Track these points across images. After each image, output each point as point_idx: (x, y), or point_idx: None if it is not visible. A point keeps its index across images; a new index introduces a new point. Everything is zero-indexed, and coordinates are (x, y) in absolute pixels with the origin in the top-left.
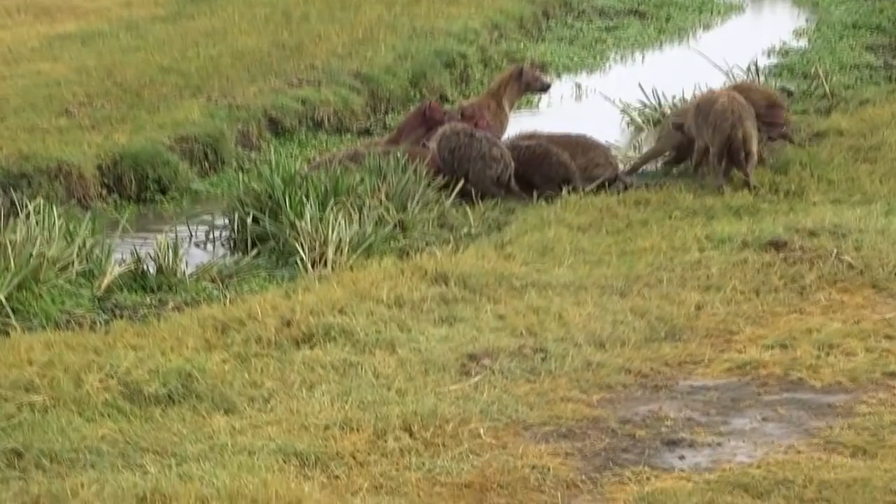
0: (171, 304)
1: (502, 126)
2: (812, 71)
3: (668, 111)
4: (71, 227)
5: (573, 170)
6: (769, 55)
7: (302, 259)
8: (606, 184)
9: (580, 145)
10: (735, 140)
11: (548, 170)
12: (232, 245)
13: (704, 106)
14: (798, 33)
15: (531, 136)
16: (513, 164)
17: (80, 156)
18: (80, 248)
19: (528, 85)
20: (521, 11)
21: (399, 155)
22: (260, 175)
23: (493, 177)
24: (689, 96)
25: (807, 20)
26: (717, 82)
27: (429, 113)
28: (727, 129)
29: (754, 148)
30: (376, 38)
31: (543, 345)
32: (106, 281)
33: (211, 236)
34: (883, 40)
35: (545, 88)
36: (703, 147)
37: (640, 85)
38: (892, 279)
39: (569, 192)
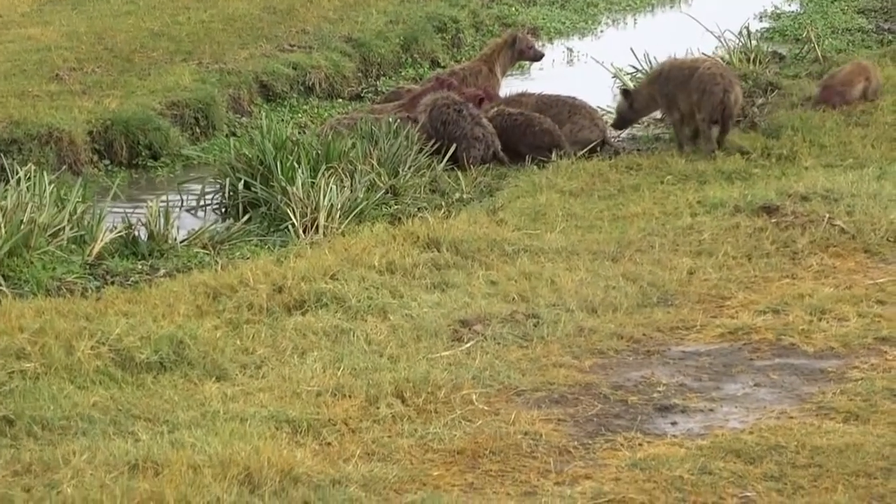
0: (162, 271)
1: (495, 91)
2: (804, 34)
3: None
4: (62, 194)
5: (558, 135)
6: (761, 19)
7: (293, 225)
8: (598, 148)
9: (566, 108)
10: (728, 104)
11: (532, 138)
12: (223, 211)
13: (677, 73)
14: None
15: (521, 97)
16: (496, 140)
17: (71, 121)
18: (70, 215)
19: (522, 53)
20: None
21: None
22: (251, 140)
23: (476, 157)
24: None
25: None
26: (710, 46)
27: (447, 83)
28: (719, 92)
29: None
30: (367, 3)
31: (535, 310)
32: (97, 247)
33: (202, 202)
34: (875, 4)
35: (538, 58)
36: (681, 116)
37: (631, 49)
38: (883, 244)
39: (559, 158)
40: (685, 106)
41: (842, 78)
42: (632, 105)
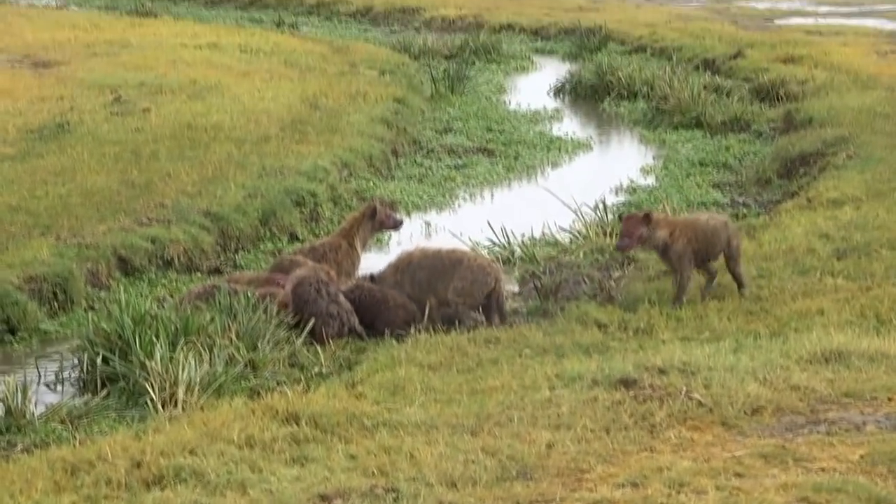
0: (19, 446)
1: (354, 266)
2: (660, 208)
3: (518, 250)
4: None
5: (412, 310)
6: (617, 193)
7: (152, 399)
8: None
9: (448, 263)
10: (498, 292)
11: (388, 314)
12: (82, 385)
13: (433, 263)
14: (646, 171)
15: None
16: (352, 317)
17: None
18: None
19: (382, 223)
20: (371, 150)
21: (249, 294)
22: (109, 315)
23: (332, 334)
24: (537, 234)
25: (654, 158)
26: (567, 220)
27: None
28: (491, 282)
29: None
30: (226, 177)
31: (395, 484)
32: None
33: (60, 377)
34: (729, 178)
35: (398, 226)
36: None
37: (489, 223)
38: (741, 417)
39: (417, 332)
40: (433, 295)
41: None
42: None
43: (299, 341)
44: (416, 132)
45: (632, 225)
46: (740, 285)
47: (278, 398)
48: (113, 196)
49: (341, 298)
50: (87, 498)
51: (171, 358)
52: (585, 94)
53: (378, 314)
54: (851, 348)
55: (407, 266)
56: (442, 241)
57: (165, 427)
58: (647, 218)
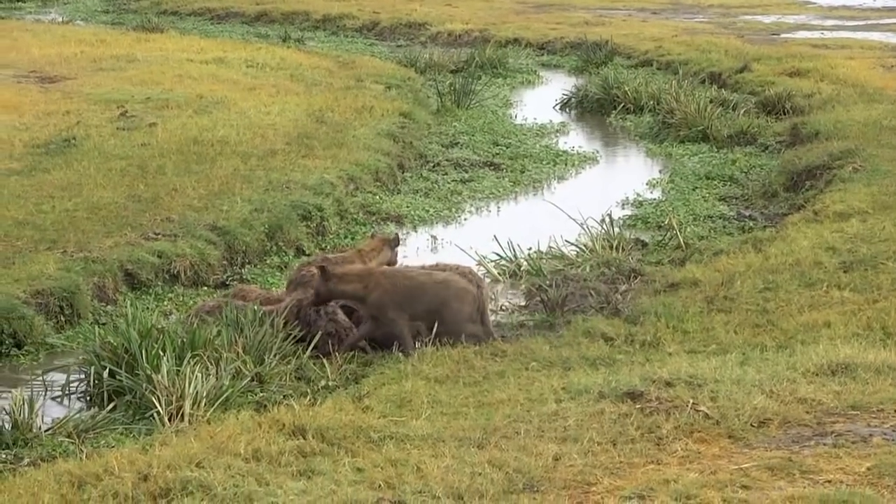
0: (26, 460)
1: None
2: (666, 222)
3: (524, 263)
4: None
5: (417, 324)
6: (623, 206)
7: (159, 413)
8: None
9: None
10: (481, 300)
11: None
12: (88, 399)
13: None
14: (652, 184)
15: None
16: (350, 331)
17: None
18: None
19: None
20: (377, 164)
21: (256, 308)
22: (116, 328)
23: (330, 351)
24: (543, 247)
25: (660, 171)
26: (573, 233)
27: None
28: (473, 289)
29: None
30: (232, 191)
31: (402, 497)
32: None
33: (67, 391)
34: (736, 191)
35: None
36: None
37: (495, 237)
38: (747, 429)
39: (424, 346)
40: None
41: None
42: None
43: (306, 354)
44: (422, 146)
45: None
46: None
47: (285, 411)
48: (119, 210)
49: (339, 316)
50: None
51: (178, 371)
52: (591, 108)
53: (383, 330)
54: (858, 360)
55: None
56: (448, 255)
57: (172, 440)
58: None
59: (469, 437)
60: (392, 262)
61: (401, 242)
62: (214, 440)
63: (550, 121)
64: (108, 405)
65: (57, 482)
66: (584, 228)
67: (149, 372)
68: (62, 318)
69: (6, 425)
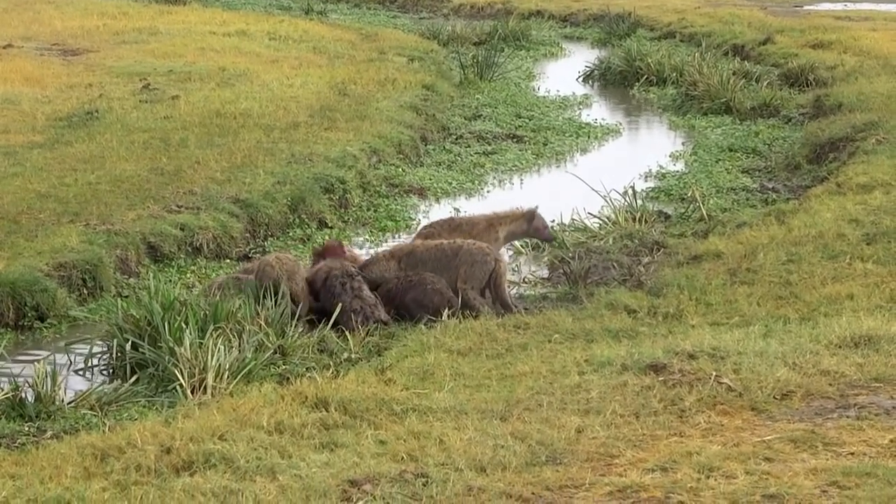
0: (49, 433)
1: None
2: (689, 194)
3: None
4: None
5: (449, 296)
6: (646, 178)
7: (181, 385)
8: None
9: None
10: (498, 274)
11: (422, 298)
12: (111, 372)
13: (436, 254)
14: (675, 157)
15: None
16: (377, 310)
17: None
18: None
19: (537, 230)
20: (400, 136)
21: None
22: (139, 301)
23: (352, 328)
24: (566, 220)
25: (683, 144)
26: (596, 205)
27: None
28: (492, 262)
29: None
30: (255, 164)
31: (424, 470)
32: None
33: (90, 363)
34: (758, 163)
35: (550, 240)
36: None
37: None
38: (770, 401)
39: (449, 317)
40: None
41: None
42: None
43: (328, 327)
44: (444, 119)
45: None
46: None
47: (307, 384)
48: (142, 183)
49: (365, 293)
50: (117, 484)
51: (201, 344)
52: (614, 81)
53: (414, 297)
54: (881, 333)
55: (409, 257)
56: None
57: (195, 413)
58: None
59: (492, 409)
60: (521, 236)
61: (550, 239)
62: (237, 413)
63: (573, 93)
64: (130, 378)
65: (80, 455)
66: (606, 201)
67: (171, 344)
68: (85, 291)
69: (29, 398)
